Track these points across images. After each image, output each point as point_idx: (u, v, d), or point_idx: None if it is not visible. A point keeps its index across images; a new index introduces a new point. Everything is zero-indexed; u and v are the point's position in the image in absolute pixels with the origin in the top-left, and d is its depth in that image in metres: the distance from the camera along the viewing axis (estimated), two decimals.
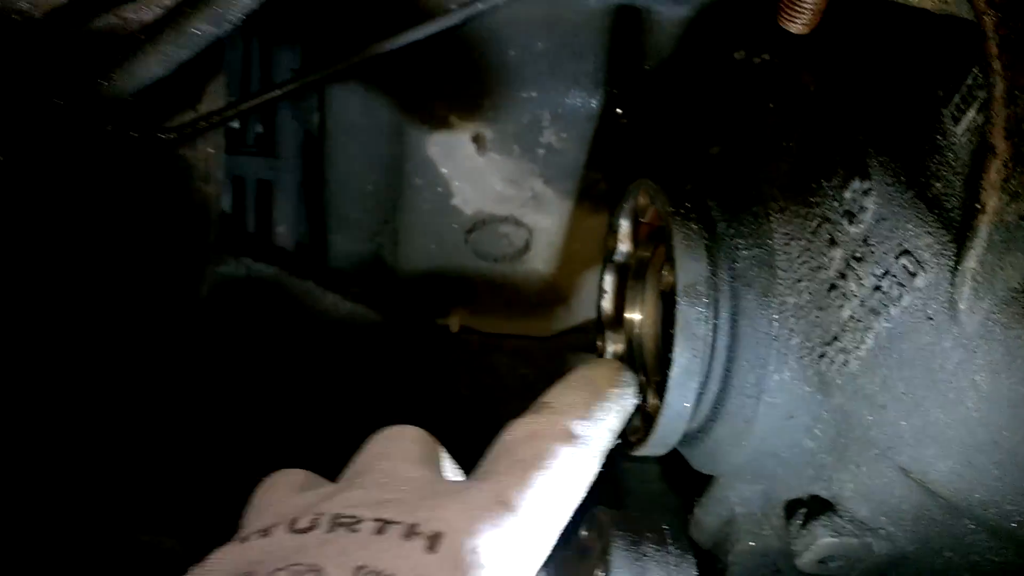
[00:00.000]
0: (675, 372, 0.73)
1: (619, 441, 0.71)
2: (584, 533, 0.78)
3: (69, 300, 0.90)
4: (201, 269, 1.10)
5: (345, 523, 0.49)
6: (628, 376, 0.77)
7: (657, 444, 0.79)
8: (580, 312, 1.27)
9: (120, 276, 0.95)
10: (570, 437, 0.62)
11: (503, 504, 0.53)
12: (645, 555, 0.73)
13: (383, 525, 0.49)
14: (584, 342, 1.26)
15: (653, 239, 0.88)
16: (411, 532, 0.49)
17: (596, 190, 1.10)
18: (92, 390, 0.93)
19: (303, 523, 0.50)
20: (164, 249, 1.01)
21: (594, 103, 1.02)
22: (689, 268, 0.73)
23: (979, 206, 0.52)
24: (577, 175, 1.08)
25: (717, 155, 0.87)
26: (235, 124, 1.21)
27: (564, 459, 0.60)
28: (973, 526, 0.67)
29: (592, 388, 0.71)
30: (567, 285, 1.23)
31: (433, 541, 0.49)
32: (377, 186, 1.13)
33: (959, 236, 0.55)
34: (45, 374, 0.89)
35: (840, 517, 0.74)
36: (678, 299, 0.72)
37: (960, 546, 0.69)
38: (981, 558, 0.69)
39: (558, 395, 0.68)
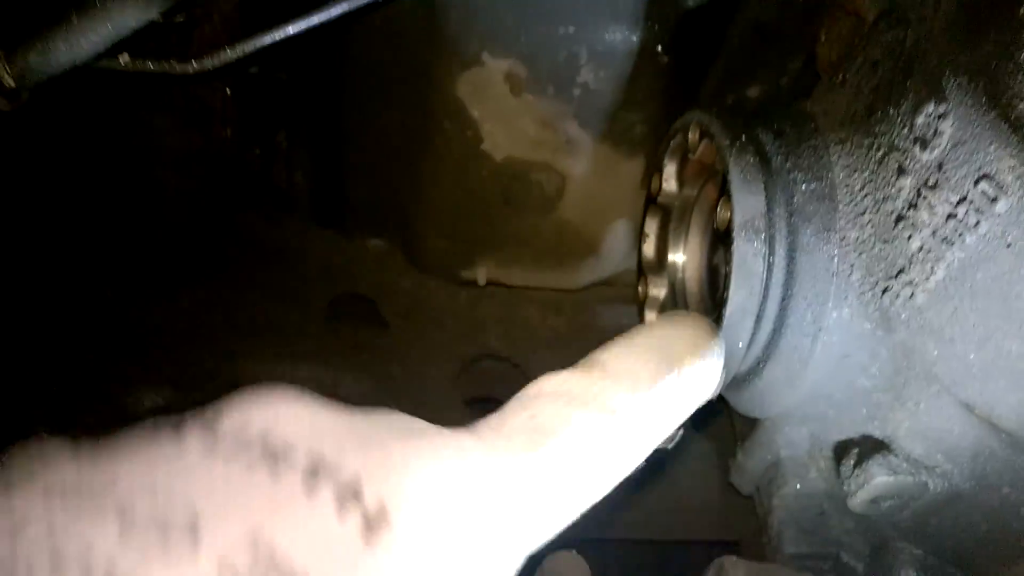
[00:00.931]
0: (730, 310, 0.71)
1: (681, 433, 0.58)
2: None
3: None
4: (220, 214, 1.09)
5: None
6: (718, 343, 0.60)
7: None
8: (610, 264, 1.25)
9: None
10: (613, 412, 0.48)
11: (484, 461, 0.41)
12: None
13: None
14: (615, 295, 1.24)
15: (700, 177, 0.85)
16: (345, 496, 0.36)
17: (633, 134, 1.07)
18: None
19: None
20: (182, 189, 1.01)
21: (635, 39, 0.98)
22: (746, 203, 0.71)
23: None
24: (614, 117, 1.05)
25: (767, 92, 0.85)
26: (254, 70, 1.18)
27: (592, 435, 0.46)
28: None
29: (665, 355, 0.55)
30: (598, 236, 1.20)
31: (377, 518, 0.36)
32: (400, 129, 1.10)
33: None
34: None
35: (895, 456, 0.72)
36: (735, 235, 0.70)
37: (1019, 481, 0.68)
38: None
39: (617, 355, 0.53)
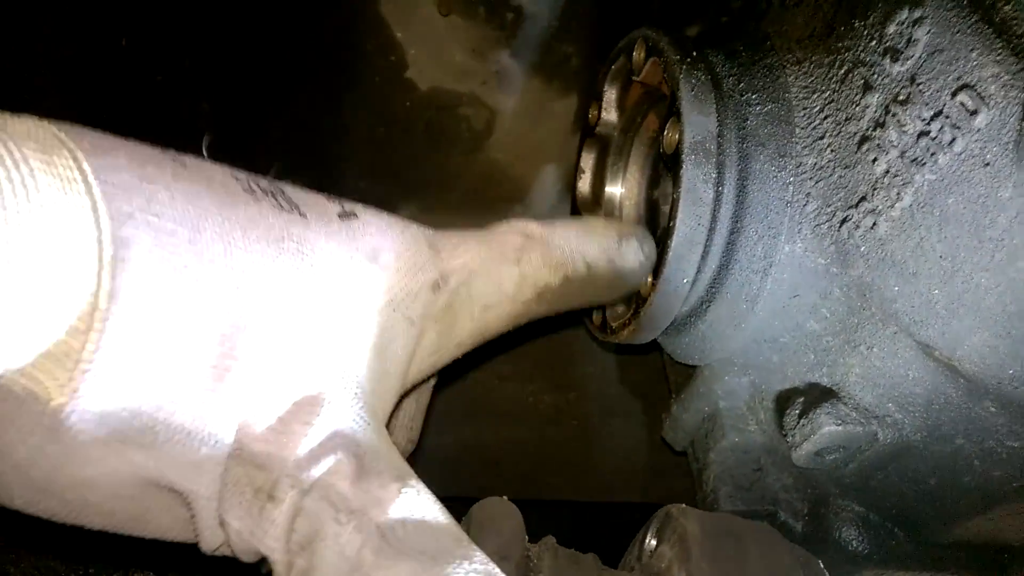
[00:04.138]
0: (676, 241, 0.65)
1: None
2: (652, 543, 0.60)
3: None
4: None
5: None
6: (636, 228, 0.69)
7: (646, 327, 0.71)
8: (537, 211, 1.18)
9: None
10: (529, 236, 0.60)
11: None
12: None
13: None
14: None
15: (643, 105, 0.79)
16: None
17: (567, 67, 1.00)
18: None
19: None
20: None
21: None
22: (697, 123, 0.64)
23: None
24: (548, 48, 0.97)
25: (707, 32, 0.79)
26: None
27: (507, 243, 0.58)
28: (995, 408, 0.62)
29: (585, 225, 0.65)
30: (527, 180, 1.12)
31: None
32: (317, 51, 1.00)
33: None
34: None
35: (844, 405, 0.67)
36: (683, 158, 0.64)
37: (975, 431, 0.64)
38: (997, 444, 0.64)
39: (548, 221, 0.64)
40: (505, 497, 0.53)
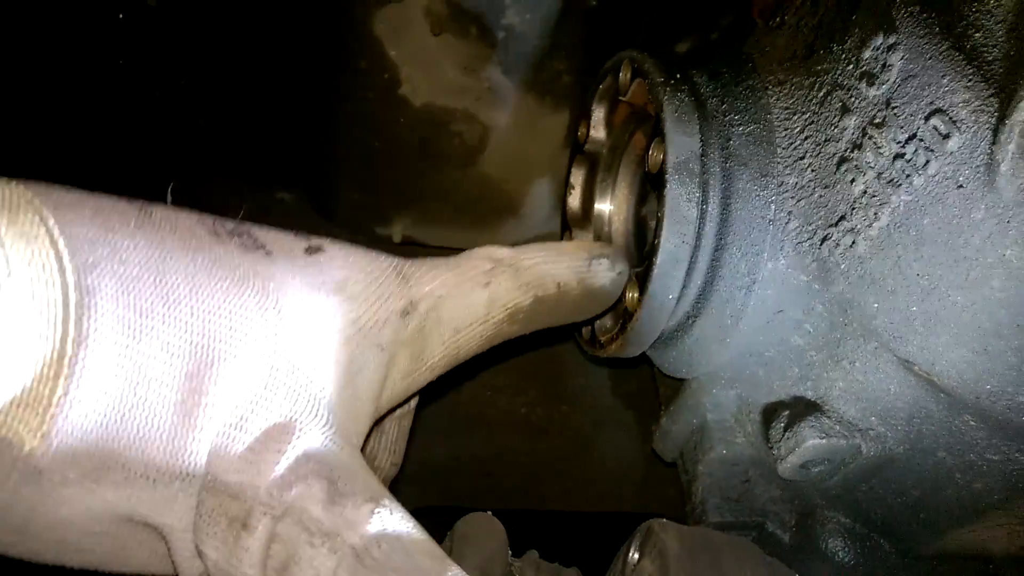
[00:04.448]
0: (661, 259, 0.66)
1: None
2: (635, 557, 0.60)
3: None
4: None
5: None
6: (606, 247, 0.70)
7: (633, 341, 0.72)
8: (531, 227, 1.19)
9: None
10: (498, 260, 0.61)
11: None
12: None
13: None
14: None
15: (630, 124, 0.80)
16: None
17: (558, 84, 1.01)
18: None
19: None
20: None
21: None
22: (681, 143, 0.66)
23: None
24: (539, 65, 0.99)
25: (697, 48, 0.80)
26: (152, 2, 1.07)
27: (475, 268, 0.60)
28: (974, 422, 0.63)
29: (556, 247, 0.66)
30: (520, 194, 1.14)
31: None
32: (313, 70, 1.02)
33: (1003, 89, 0.49)
34: None
35: (828, 418, 0.69)
36: (667, 177, 0.65)
37: (956, 445, 0.65)
38: (978, 457, 0.65)
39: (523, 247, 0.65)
40: (490, 512, 0.55)
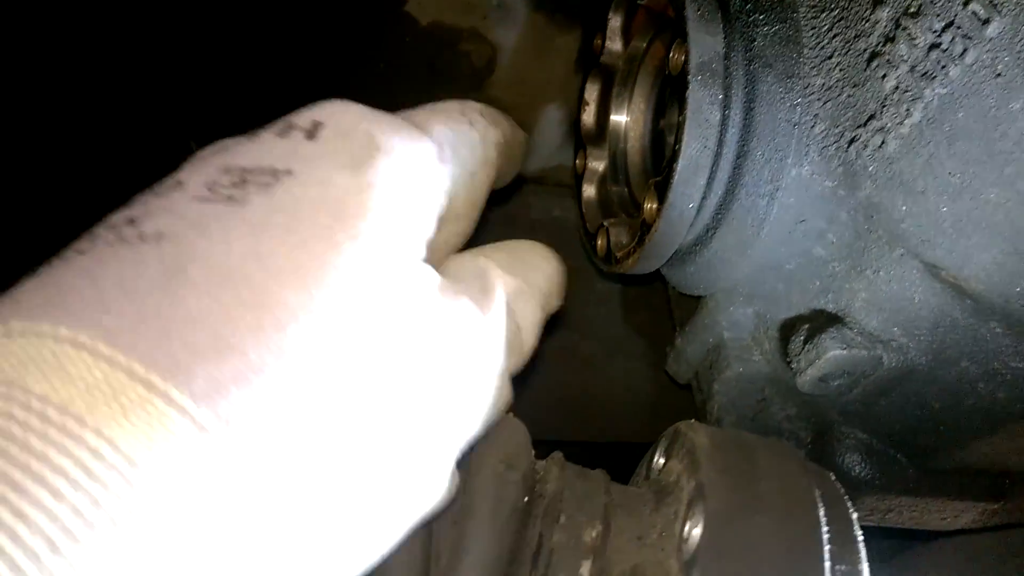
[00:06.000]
0: (682, 164, 0.64)
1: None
2: (660, 461, 0.56)
3: None
4: None
5: None
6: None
7: (652, 254, 0.71)
8: (540, 157, 1.17)
9: None
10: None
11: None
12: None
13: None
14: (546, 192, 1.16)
15: (648, 32, 0.77)
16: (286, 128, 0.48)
17: (570, 1, 0.98)
18: None
19: None
20: None
21: None
22: (704, 43, 0.63)
23: None
24: None
25: None
26: None
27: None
28: (1000, 329, 0.62)
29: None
30: (529, 120, 1.11)
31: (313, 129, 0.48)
32: None
33: None
34: None
35: (849, 329, 0.67)
36: (690, 79, 0.63)
37: (980, 353, 0.64)
38: (1002, 365, 0.64)
39: None
40: (512, 413, 0.53)
